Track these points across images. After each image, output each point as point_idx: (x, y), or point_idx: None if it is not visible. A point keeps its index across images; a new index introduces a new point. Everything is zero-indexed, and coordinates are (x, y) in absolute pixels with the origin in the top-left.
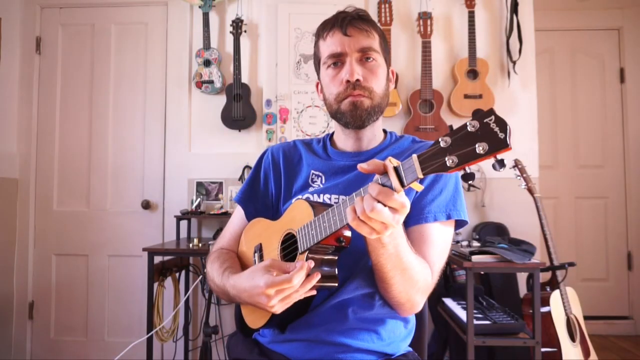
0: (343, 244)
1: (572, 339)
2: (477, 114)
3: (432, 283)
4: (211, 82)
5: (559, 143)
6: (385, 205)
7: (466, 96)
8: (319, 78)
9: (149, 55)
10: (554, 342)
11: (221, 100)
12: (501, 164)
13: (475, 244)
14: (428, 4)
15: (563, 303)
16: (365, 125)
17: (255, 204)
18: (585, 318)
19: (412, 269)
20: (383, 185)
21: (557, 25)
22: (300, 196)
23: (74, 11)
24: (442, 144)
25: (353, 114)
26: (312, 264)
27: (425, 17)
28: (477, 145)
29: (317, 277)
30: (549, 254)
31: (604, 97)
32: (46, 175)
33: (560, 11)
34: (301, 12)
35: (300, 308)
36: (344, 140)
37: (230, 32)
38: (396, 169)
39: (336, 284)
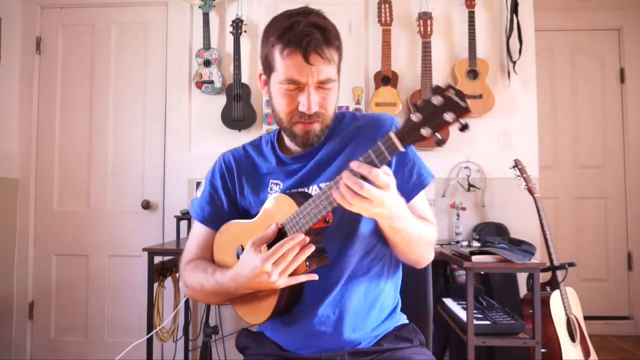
0: (329, 224)
1: (572, 339)
2: (438, 89)
3: (436, 234)
4: (211, 82)
5: (559, 143)
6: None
7: (466, 96)
8: (264, 74)
9: (149, 55)
10: (554, 342)
11: (221, 100)
12: (466, 126)
13: (475, 244)
14: (428, 4)
15: (563, 303)
16: (315, 145)
17: (219, 215)
18: (585, 318)
19: (424, 236)
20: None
21: (557, 25)
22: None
23: (74, 11)
24: (414, 119)
25: (304, 140)
26: (304, 237)
27: (425, 17)
28: (444, 115)
29: (312, 248)
30: (549, 254)
31: (604, 97)
32: (46, 175)
33: (560, 11)
34: None
35: (296, 294)
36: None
37: (230, 32)
38: (374, 151)
39: (328, 262)
